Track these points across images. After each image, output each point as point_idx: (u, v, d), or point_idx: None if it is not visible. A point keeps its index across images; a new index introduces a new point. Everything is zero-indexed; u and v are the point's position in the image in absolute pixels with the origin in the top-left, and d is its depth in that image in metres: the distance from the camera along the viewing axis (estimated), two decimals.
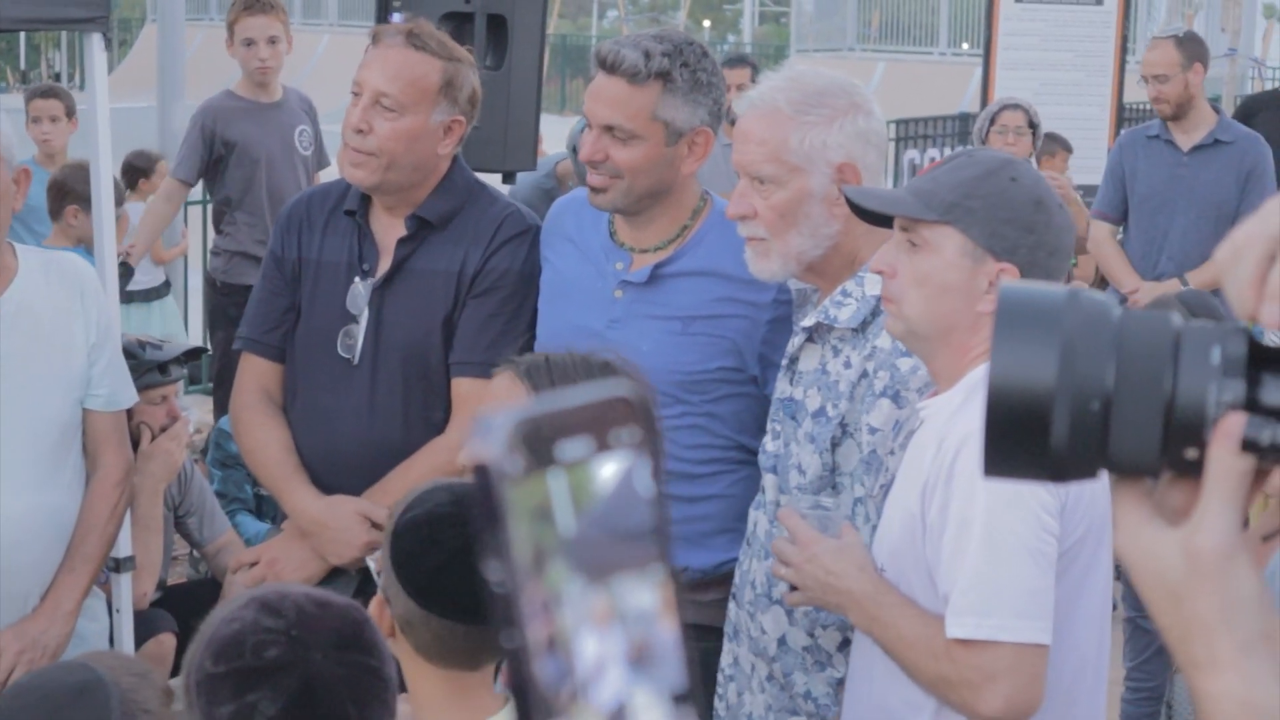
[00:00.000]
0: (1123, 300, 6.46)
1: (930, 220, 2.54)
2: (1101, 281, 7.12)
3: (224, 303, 6.87)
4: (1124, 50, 10.00)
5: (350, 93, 3.44)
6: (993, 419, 0.99)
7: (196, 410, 6.63)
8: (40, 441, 3.38)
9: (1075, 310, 1.00)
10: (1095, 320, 1.00)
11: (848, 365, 2.88)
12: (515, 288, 3.45)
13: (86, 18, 4.05)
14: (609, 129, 3.21)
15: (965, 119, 13.17)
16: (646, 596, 0.77)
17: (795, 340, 3.00)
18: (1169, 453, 0.99)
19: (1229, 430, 0.97)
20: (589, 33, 37.42)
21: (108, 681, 2.39)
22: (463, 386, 3.43)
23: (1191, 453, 0.99)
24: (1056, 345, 0.99)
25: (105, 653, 3.29)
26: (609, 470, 0.77)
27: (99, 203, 4.12)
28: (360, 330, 3.48)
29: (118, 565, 3.94)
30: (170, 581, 5.16)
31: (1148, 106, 7.46)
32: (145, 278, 8.18)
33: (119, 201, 6.12)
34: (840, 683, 2.87)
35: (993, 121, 7.09)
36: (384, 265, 3.49)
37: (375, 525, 3.35)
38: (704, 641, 3.11)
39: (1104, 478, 1.02)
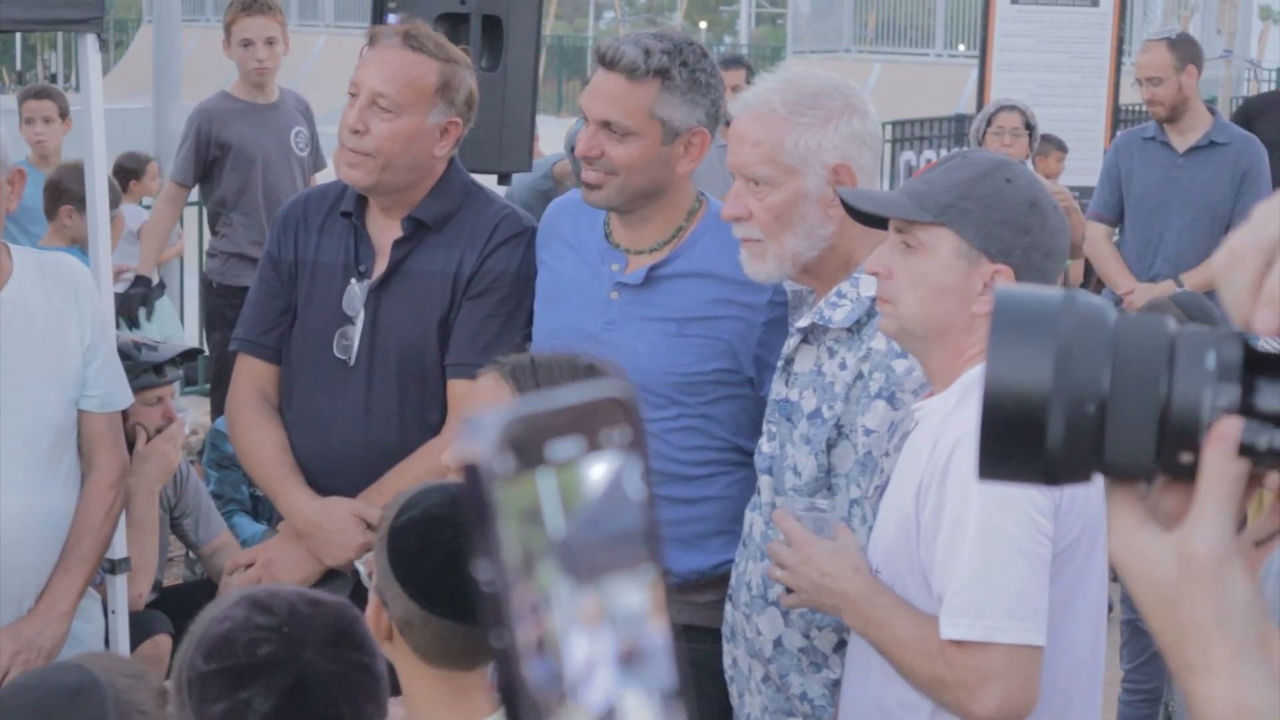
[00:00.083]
0: (1118, 302, 6.47)
1: (925, 221, 2.54)
2: (1098, 285, 7.11)
3: (220, 304, 6.86)
4: (1120, 52, 10.00)
5: (347, 93, 3.44)
6: (988, 422, 0.99)
7: (192, 411, 6.62)
8: (35, 442, 3.37)
9: (1071, 314, 1.00)
10: (1091, 324, 1.00)
11: (843, 367, 2.88)
12: (511, 289, 3.44)
13: (81, 19, 4.04)
14: (605, 124, 3.20)
15: (961, 120, 13.20)
16: (636, 597, 0.77)
17: (790, 342, 2.99)
18: (1163, 457, 0.99)
19: (1225, 434, 0.97)
20: (585, 33, 37.37)
21: (103, 683, 2.38)
22: (458, 388, 3.41)
23: (1186, 457, 0.99)
24: (1052, 349, 0.99)
25: (100, 654, 3.28)
26: (599, 471, 0.77)
27: (94, 204, 4.12)
28: (356, 331, 3.47)
29: (113, 566, 3.93)
30: (166, 583, 5.16)
31: (1143, 108, 7.44)
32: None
33: (114, 203, 6.12)
34: (836, 684, 2.87)
35: (989, 123, 7.09)
36: (380, 267, 3.48)
37: (370, 527, 3.34)
38: (700, 643, 3.11)
39: (1098, 481, 1.02)
